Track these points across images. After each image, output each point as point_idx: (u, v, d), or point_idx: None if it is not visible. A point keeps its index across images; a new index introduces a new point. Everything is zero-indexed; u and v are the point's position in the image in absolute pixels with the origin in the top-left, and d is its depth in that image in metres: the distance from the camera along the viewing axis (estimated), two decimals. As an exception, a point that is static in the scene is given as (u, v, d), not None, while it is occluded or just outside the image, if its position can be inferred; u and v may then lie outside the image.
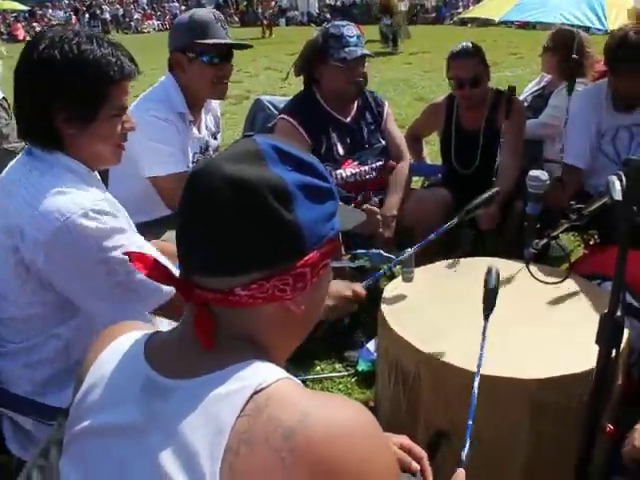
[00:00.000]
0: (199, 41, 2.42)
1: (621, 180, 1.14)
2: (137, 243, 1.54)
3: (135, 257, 0.89)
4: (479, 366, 1.50)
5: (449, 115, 3.36)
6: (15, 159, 1.62)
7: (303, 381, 2.56)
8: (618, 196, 1.12)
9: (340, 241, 2.62)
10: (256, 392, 0.79)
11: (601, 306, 2.02)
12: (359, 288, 1.76)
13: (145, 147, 2.33)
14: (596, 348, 1.26)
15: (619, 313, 1.15)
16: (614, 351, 1.21)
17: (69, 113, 1.49)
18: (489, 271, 1.59)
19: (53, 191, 1.46)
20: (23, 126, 1.57)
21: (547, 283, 1.91)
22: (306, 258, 0.87)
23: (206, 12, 2.53)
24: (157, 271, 0.89)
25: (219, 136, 2.83)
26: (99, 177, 1.70)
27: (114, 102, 1.54)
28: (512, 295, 2.11)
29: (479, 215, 2.86)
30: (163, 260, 1.12)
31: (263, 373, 0.83)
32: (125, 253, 0.91)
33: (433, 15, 25.76)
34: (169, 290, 1.53)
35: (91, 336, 1.52)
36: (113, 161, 1.66)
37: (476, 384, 1.49)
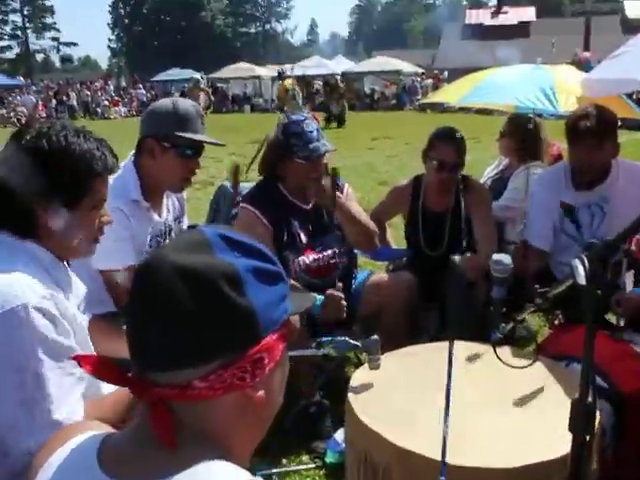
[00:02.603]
0: (180, 134, 2.40)
1: (584, 264, 1.14)
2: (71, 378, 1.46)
3: (81, 359, 0.85)
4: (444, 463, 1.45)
5: (415, 198, 3.40)
6: None
7: (269, 475, 2.45)
8: (582, 280, 1.12)
9: (302, 327, 2.59)
10: None
11: (570, 389, 2.01)
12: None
13: None
14: (568, 434, 1.22)
15: (590, 399, 1.13)
16: (587, 437, 1.17)
17: (49, 202, 1.50)
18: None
19: (3, 277, 1.42)
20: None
21: (515, 367, 1.89)
22: (262, 343, 0.85)
23: (189, 104, 2.50)
24: (106, 370, 0.85)
25: (184, 219, 2.80)
26: (67, 267, 1.66)
27: (95, 195, 1.57)
28: (480, 379, 2.08)
29: (464, 266, 2.83)
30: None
31: (225, 476, 0.78)
32: (73, 358, 0.87)
33: (393, 102, 26.68)
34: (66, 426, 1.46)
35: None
36: (87, 253, 1.66)
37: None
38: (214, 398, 0.83)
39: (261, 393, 0.87)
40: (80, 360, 0.85)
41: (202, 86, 22.85)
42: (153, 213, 2.55)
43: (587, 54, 23.86)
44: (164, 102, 2.55)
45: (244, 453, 0.91)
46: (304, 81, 19.95)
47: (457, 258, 1.62)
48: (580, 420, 1.16)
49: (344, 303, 2.68)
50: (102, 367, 0.85)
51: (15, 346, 1.38)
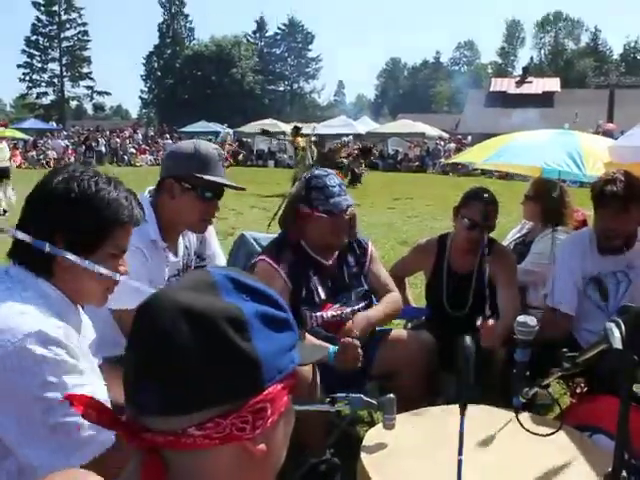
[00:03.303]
0: (200, 175, 2.40)
1: (620, 328, 1.08)
2: (88, 388, 1.43)
3: (75, 399, 0.80)
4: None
5: (440, 256, 3.36)
6: None
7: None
8: (618, 344, 1.05)
9: (317, 383, 2.51)
10: None
11: (596, 461, 1.91)
12: None
13: None
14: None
15: (624, 474, 1.05)
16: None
17: (69, 244, 1.50)
18: (463, 343, 1.46)
19: (11, 310, 1.40)
20: (18, 246, 1.55)
21: (538, 435, 1.80)
22: (266, 392, 0.80)
23: (210, 147, 2.51)
24: (96, 413, 0.80)
25: (215, 254, 2.81)
26: (80, 310, 1.65)
27: (115, 242, 1.57)
28: (501, 448, 1.98)
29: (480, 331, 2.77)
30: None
31: None
32: (66, 397, 0.81)
33: (416, 164, 26.91)
34: (111, 439, 1.42)
35: None
36: (99, 302, 1.65)
37: None
38: (210, 448, 0.78)
39: (262, 446, 0.81)
40: (72, 400, 0.80)
41: (229, 141, 23.49)
42: (169, 253, 2.53)
43: (611, 126, 23.99)
44: (186, 144, 2.56)
45: None
46: (318, 142, 20.08)
47: (468, 339, 1.52)
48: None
49: (360, 352, 2.60)
50: (94, 409, 0.80)
51: (32, 375, 1.35)
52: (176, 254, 2.58)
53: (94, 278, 1.56)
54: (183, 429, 0.76)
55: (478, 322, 2.83)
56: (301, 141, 15.94)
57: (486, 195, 3.22)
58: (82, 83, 65.36)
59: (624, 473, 1.04)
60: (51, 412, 1.36)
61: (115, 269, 1.61)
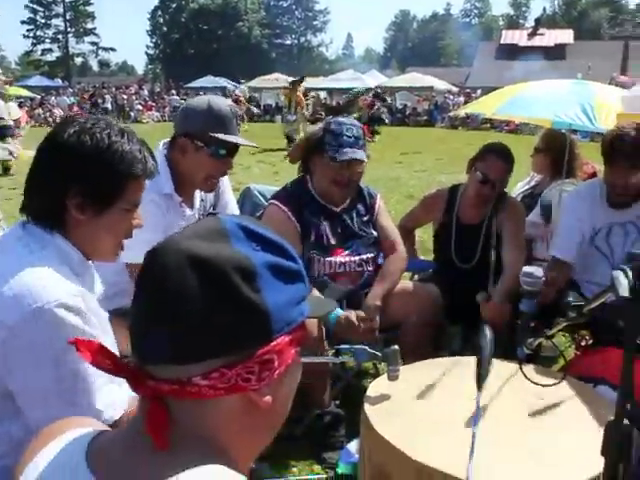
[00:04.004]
0: (214, 134, 2.38)
1: (627, 275, 1.05)
2: None
3: (80, 344, 0.79)
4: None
5: (450, 208, 3.33)
6: (7, 229, 1.56)
7: (278, 484, 2.38)
8: (625, 292, 1.03)
9: (322, 334, 2.52)
10: None
11: (597, 411, 1.91)
12: None
13: None
14: (597, 457, 1.12)
15: (626, 421, 1.03)
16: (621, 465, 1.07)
17: (83, 199, 1.47)
18: (482, 332, 1.49)
19: (32, 273, 1.39)
20: (30, 201, 1.52)
21: (542, 385, 1.79)
22: (273, 344, 0.79)
23: (224, 104, 2.47)
24: (103, 359, 0.79)
25: (228, 202, 2.83)
26: (92, 265, 1.63)
27: (129, 196, 1.54)
28: (503, 398, 1.99)
29: (484, 305, 2.75)
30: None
31: None
32: (72, 342, 0.80)
33: (425, 118, 26.61)
34: (113, 414, 1.43)
35: None
36: (110, 257, 1.62)
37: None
38: (215, 398, 0.77)
39: (267, 398, 0.80)
40: (79, 346, 0.79)
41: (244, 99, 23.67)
42: (185, 207, 2.53)
43: (624, 78, 23.53)
44: (200, 100, 2.52)
45: (244, 459, 0.84)
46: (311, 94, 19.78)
47: (487, 329, 1.53)
48: (615, 444, 1.07)
49: (361, 326, 2.60)
50: (100, 355, 0.80)
51: (48, 342, 1.36)
52: (192, 207, 2.59)
53: (109, 232, 1.54)
54: (188, 378, 0.76)
55: (479, 298, 2.78)
56: (301, 97, 15.75)
57: (504, 151, 3.17)
58: (87, 39, 64.78)
59: (626, 421, 1.03)
60: (62, 380, 1.37)
61: (129, 223, 1.58)
